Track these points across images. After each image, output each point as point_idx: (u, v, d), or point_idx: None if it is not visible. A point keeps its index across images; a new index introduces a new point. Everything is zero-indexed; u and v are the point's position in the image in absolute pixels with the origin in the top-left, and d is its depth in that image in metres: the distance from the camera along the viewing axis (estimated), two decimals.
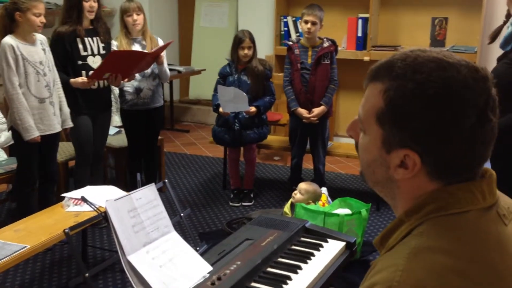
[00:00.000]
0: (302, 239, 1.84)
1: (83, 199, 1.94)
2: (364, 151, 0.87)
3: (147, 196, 1.57)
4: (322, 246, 1.79)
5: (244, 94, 3.56)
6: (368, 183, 0.90)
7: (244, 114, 3.69)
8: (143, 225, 1.51)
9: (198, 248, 1.88)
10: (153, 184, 1.65)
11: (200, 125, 6.25)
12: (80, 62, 3.31)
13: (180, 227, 3.30)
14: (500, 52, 2.26)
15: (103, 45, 3.40)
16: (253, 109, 3.62)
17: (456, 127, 0.76)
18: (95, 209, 1.84)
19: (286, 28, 5.19)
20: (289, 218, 2.29)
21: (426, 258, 0.74)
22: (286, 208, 3.29)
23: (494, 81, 0.82)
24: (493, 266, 0.75)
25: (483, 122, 0.78)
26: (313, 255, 1.73)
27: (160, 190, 4.18)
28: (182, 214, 1.87)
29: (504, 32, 2.11)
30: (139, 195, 1.55)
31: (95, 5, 3.29)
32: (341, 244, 1.82)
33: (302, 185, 3.28)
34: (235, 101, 3.58)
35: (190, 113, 6.40)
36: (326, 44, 3.65)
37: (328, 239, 1.84)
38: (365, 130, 0.86)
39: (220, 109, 3.66)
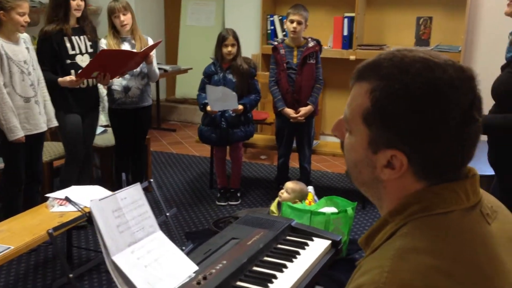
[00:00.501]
0: (288, 237, 1.85)
1: (67, 199, 1.92)
2: (350, 151, 0.87)
3: (132, 195, 1.57)
4: (307, 245, 1.80)
5: (234, 93, 3.56)
6: (355, 183, 0.90)
7: (231, 112, 3.69)
8: (128, 225, 1.50)
9: (184, 248, 1.87)
10: (138, 183, 1.65)
11: (187, 124, 6.23)
12: (68, 61, 3.28)
13: (166, 227, 3.29)
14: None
15: (90, 43, 3.38)
16: (240, 107, 3.63)
17: (443, 126, 0.77)
18: (79, 209, 1.82)
19: (272, 27, 5.19)
20: (275, 217, 2.29)
21: (411, 259, 0.74)
22: (273, 207, 3.30)
23: (479, 80, 0.82)
24: (478, 266, 0.76)
25: (469, 121, 0.78)
26: (298, 253, 1.74)
27: (146, 190, 4.18)
28: (168, 214, 1.87)
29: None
30: (124, 194, 1.54)
31: (82, 3, 3.26)
32: (327, 242, 1.83)
33: (289, 184, 3.29)
34: (224, 100, 3.58)
35: (177, 112, 6.38)
36: (311, 44, 3.67)
37: (314, 238, 1.85)
38: (351, 130, 0.86)
39: (208, 108, 3.66)
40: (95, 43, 3.42)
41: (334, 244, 1.83)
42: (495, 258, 0.79)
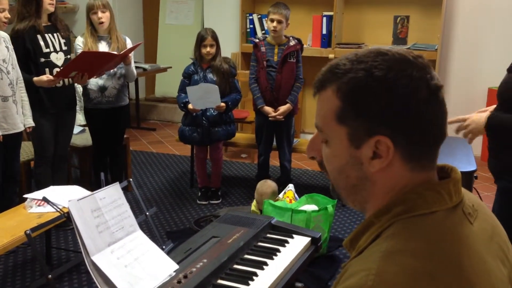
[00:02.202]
0: (268, 235, 1.86)
1: (45, 200, 1.90)
2: (332, 160, 0.87)
3: (111, 195, 1.56)
4: (287, 242, 1.81)
5: (215, 86, 3.55)
6: (342, 192, 0.89)
7: (212, 111, 3.69)
8: (108, 225, 1.49)
9: (164, 247, 1.87)
10: (117, 183, 1.64)
11: (167, 123, 6.20)
12: (42, 60, 3.23)
13: (146, 226, 3.28)
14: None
15: (64, 41, 3.34)
16: (222, 104, 3.63)
17: (413, 99, 0.79)
18: (58, 209, 1.80)
19: (252, 26, 5.20)
20: (255, 215, 2.30)
21: (397, 261, 0.75)
22: (254, 207, 3.31)
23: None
24: (461, 267, 0.77)
25: (435, 95, 0.81)
26: (278, 251, 1.75)
27: (126, 189, 4.14)
28: (147, 213, 1.86)
29: None
30: (103, 194, 1.53)
31: None
32: (307, 239, 1.85)
33: (259, 192, 3.29)
34: (206, 97, 3.57)
35: (157, 111, 6.35)
36: (292, 43, 3.68)
37: (294, 235, 1.86)
38: (328, 138, 0.86)
39: (190, 106, 3.64)
40: (68, 40, 3.39)
41: (314, 241, 1.85)
42: (478, 257, 0.80)
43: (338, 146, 0.84)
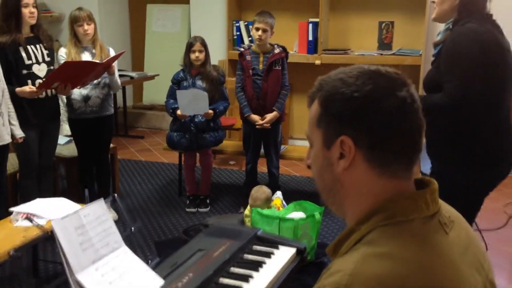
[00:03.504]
0: (254, 247, 1.87)
1: (29, 219, 1.89)
2: (314, 162, 0.94)
3: (96, 211, 1.56)
4: (273, 254, 1.83)
5: (205, 93, 3.57)
6: (323, 196, 0.96)
7: (200, 117, 3.70)
8: (92, 242, 1.49)
9: (150, 260, 1.87)
10: (102, 199, 1.64)
11: (155, 130, 6.19)
12: (25, 72, 3.22)
13: (135, 240, 3.27)
14: None
15: (47, 52, 3.33)
16: (210, 111, 3.64)
17: (376, 105, 0.85)
18: (42, 228, 1.79)
19: (238, 33, 5.22)
20: (241, 227, 2.31)
21: (372, 264, 0.79)
22: (247, 211, 3.31)
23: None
24: (433, 274, 0.80)
25: (404, 106, 0.86)
26: (264, 263, 1.76)
27: (113, 201, 4.11)
28: (132, 228, 1.86)
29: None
30: (87, 211, 1.53)
31: (35, 10, 3.21)
32: (292, 250, 1.86)
33: (253, 194, 3.30)
34: (195, 103, 3.58)
35: (145, 119, 6.33)
36: (277, 51, 3.70)
37: (279, 246, 1.88)
38: (312, 143, 0.94)
39: (178, 112, 3.65)
40: (51, 51, 3.37)
41: (299, 252, 1.86)
42: (451, 265, 0.84)
43: (317, 148, 0.92)
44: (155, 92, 6.18)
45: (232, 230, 1.94)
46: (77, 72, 3.23)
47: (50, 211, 2.55)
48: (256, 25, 3.65)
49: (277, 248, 1.86)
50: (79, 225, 1.48)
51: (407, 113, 0.86)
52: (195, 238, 1.87)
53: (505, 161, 2.12)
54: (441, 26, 5.21)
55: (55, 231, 1.41)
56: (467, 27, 2.02)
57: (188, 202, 3.95)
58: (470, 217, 2.12)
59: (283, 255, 1.83)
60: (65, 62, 3.28)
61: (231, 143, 4.53)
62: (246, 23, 5.15)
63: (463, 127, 2.07)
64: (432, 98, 2.07)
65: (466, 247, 0.91)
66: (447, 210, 0.94)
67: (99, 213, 1.56)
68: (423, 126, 0.89)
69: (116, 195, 1.89)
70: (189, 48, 3.69)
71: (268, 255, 1.81)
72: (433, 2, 2.23)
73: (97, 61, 3.38)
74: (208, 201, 3.97)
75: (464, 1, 2.06)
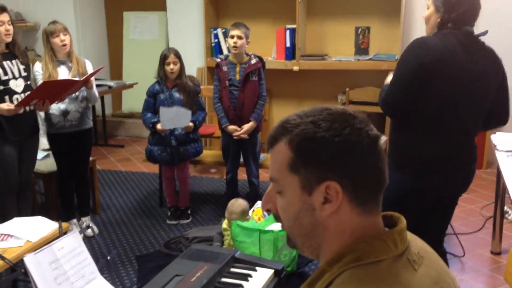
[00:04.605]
0: (232, 269, 1.88)
1: (1, 257, 1.86)
2: (287, 209, 0.93)
3: (70, 244, 1.55)
4: (251, 276, 1.84)
5: (189, 111, 3.57)
6: (297, 240, 0.95)
7: (180, 130, 3.69)
8: (67, 276, 1.48)
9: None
10: (77, 231, 1.63)
11: (135, 139, 6.16)
12: (1, 87, 3.18)
13: (114, 265, 3.25)
14: None
15: (23, 67, 3.30)
16: (191, 124, 3.64)
17: (357, 147, 0.87)
18: (13, 266, 1.77)
19: (216, 40, 5.21)
20: (219, 248, 2.32)
21: None
22: (225, 225, 3.32)
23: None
24: None
25: (374, 144, 0.89)
26: (242, 286, 1.77)
27: (95, 212, 4.07)
28: (108, 258, 1.85)
29: None
30: (61, 244, 1.52)
31: (11, 27, 3.18)
32: (270, 271, 1.87)
33: (229, 211, 3.30)
34: (176, 119, 3.58)
35: (124, 127, 6.29)
36: (253, 61, 3.71)
37: (257, 268, 1.89)
38: (282, 189, 0.92)
39: (158, 126, 3.64)
40: (28, 66, 3.35)
41: (277, 273, 1.88)
42: None
43: (292, 194, 0.91)
44: (135, 100, 6.14)
45: (210, 253, 1.94)
46: (55, 89, 3.21)
47: (28, 231, 2.53)
48: (231, 33, 3.66)
49: (254, 270, 1.87)
50: (53, 260, 1.47)
51: (378, 151, 0.90)
52: (172, 263, 1.87)
53: (437, 173, 2.15)
54: (416, 31, 5.25)
55: (28, 268, 1.40)
56: (420, 39, 2.09)
57: (169, 214, 3.94)
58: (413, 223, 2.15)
59: (261, 277, 1.84)
60: (44, 82, 3.25)
61: (211, 153, 4.53)
62: (224, 30, 5.15)
63: (400, 133, 2.17)
64: (381, 93, 2.19)
65: (436, 282, 0.93)
66: (416, 245, 0.96)
67: (74, 245, 1.55)
68: (386, 158, 0.93)
69: (90, 224, 1.87)
70: (163, 60, 3.67)
71: (245, 277, 1.82)
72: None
73: (76, 78, 3.36)
74: (189, 211, 3.97)
75: (444, 20, 2.09)
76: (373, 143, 0.89)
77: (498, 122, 2.27)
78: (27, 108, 3.29)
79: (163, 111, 3.58)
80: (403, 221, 0.94)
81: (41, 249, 1.48)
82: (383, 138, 0.92)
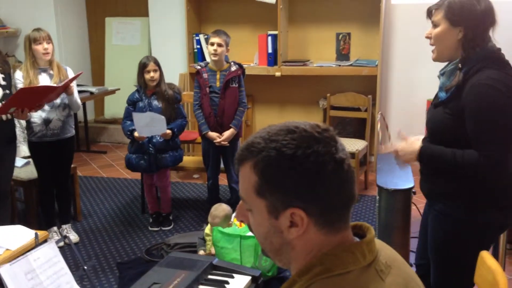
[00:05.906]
0: (210, 277, 1.90)
1: None
2: (257, 228, 0.96)
3: (46, 254, 1.55)
4: (228, 283, 1.86)
5: (162, 117, 3.57)
6: (269, 255, 0.99)
7: (158, 138, 3.69)
8: (42, 286, 1.49)
9: None
10: (53, 241, 1.63)
11: (117, 145, 6.13)
12: None
13: (94, 271, 3.24)
14: None
15: (3, 76, 3.27)
16: (168, 131, 3.64)
17: (321, 174, 0.88)
18: None
19: (198, 46, 5.22)
20: (197, 256, 2.33)
21: None
22: (208, 230, 3.33)
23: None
24: None
25: (340, 166, 0.90)
26: None
27: (76, 219, 4.04)
28: (85, 267, 1.86)
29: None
30: (37, 254, 1.53)
31: None
32: (247, 278, 1.89)
33: (212, 216, 3.31)
34: (152, 125, 3.58)
35: (107, 133, 6.26)
36: (233, 68, 3.73)
37: (234, 275, 1.91)
38: (251, 208, 0.95)
39: (136, 133, 3.64)
40: (8, 75, 3.32)
41: (254, 280, 1.90)
42: None
43: (260, 216, 0.93)
44: (117, 106, 6.12)
45: (188, 260, 1.96)
46: (34, 96, 3.19)
47: (5, 239, 2.52)
48: (211, 40, 3.68)
49: (232, 277, 1.89)
50: (29, 270, 1.47)
51: (345, 172, 0.91)
52: (150, 271, 1.89)
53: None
54: (396, 36, 5.30)
55: (3, 279, 1.40)
56: (488, 75, 1.76)
57: (151, 220, 3.94)
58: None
59: (238, 284, 1.86)
60: (21, 89, 3.23)
61: (193, 159, 4.54)
62: (206, 36, 5.16)
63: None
64: (465, 157, 1.80)
65: None
66: (385, 254, 0.99)
67: (50, 256, 1.55)
68: (355, 174, 0.94)
69: (67, 235, 1.87)
70: (143, 68, 3.67)
71: (223, 284, 1.84)
72: (428, 38, 1.95)
73: (55, 84, 3.35)
74: (171, 217, 3.97)
75: (469, 36, 1.82)
76: (338, 166, 0.90)
77: None
78: (4, 117, 3.26)
79: (136, 116, 3.59)
80: (371, 232, 0.97)
81: (17, 259, 1.49)
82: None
